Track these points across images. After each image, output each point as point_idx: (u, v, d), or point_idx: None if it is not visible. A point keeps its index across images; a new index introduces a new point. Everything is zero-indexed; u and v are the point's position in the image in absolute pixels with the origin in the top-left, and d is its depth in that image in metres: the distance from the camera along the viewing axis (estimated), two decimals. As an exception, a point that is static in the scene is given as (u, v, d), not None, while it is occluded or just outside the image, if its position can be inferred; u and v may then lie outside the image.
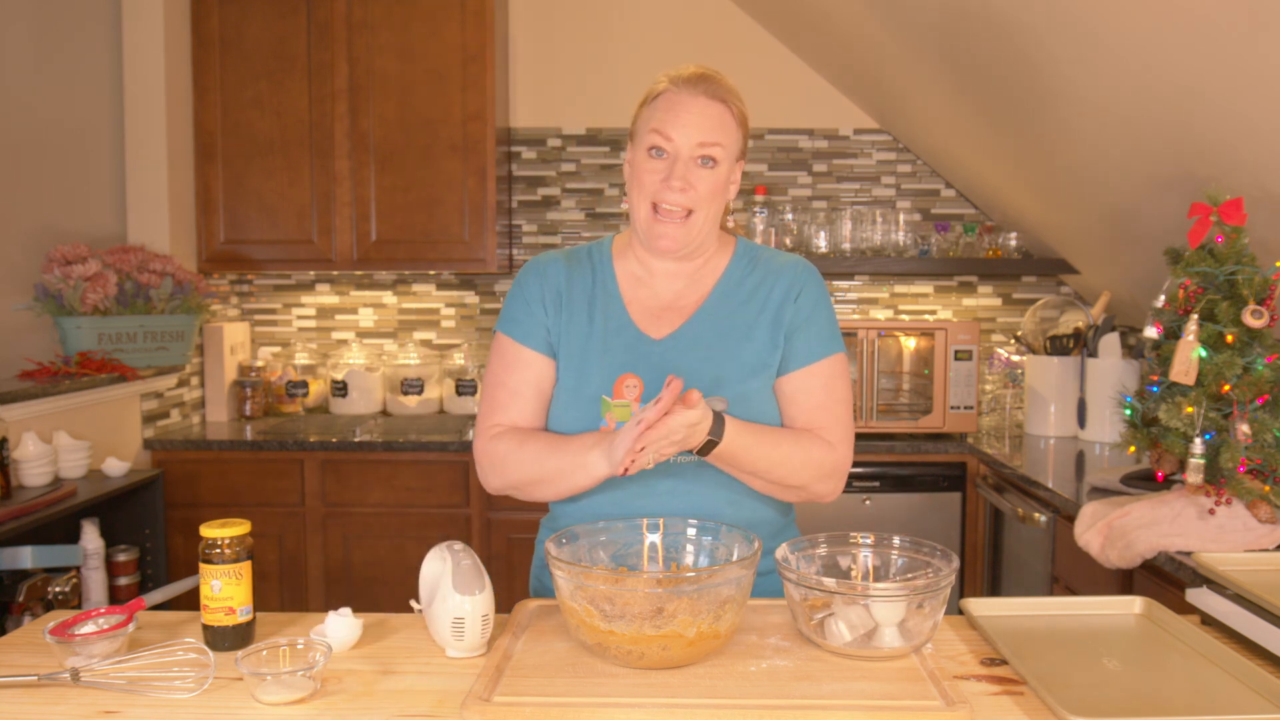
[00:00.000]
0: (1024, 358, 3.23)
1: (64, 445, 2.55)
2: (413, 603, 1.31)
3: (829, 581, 1.20)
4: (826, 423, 1.42)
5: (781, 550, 1.28)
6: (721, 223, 1.51)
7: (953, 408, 3.04)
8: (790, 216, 3.49)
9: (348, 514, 3.02)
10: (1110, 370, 2.89)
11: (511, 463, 1.39)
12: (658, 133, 1.37)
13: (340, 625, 1.23)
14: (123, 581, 2.62)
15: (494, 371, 1.47)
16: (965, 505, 3.00)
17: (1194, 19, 1.74)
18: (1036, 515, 2.41)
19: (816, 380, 1.42)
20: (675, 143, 1.37)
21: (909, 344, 3.20)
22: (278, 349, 3.68)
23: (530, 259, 1.52)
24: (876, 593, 1.17)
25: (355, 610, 1.28)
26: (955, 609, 1.39)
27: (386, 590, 3.01)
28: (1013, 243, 3.45)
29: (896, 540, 1.31)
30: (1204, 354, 1.82)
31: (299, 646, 1.14)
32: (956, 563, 1.22)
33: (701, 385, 1.40)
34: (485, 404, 1.46)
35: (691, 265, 1.48)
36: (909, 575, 1.28)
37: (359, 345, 3.64)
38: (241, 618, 1.25)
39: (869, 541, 1.31)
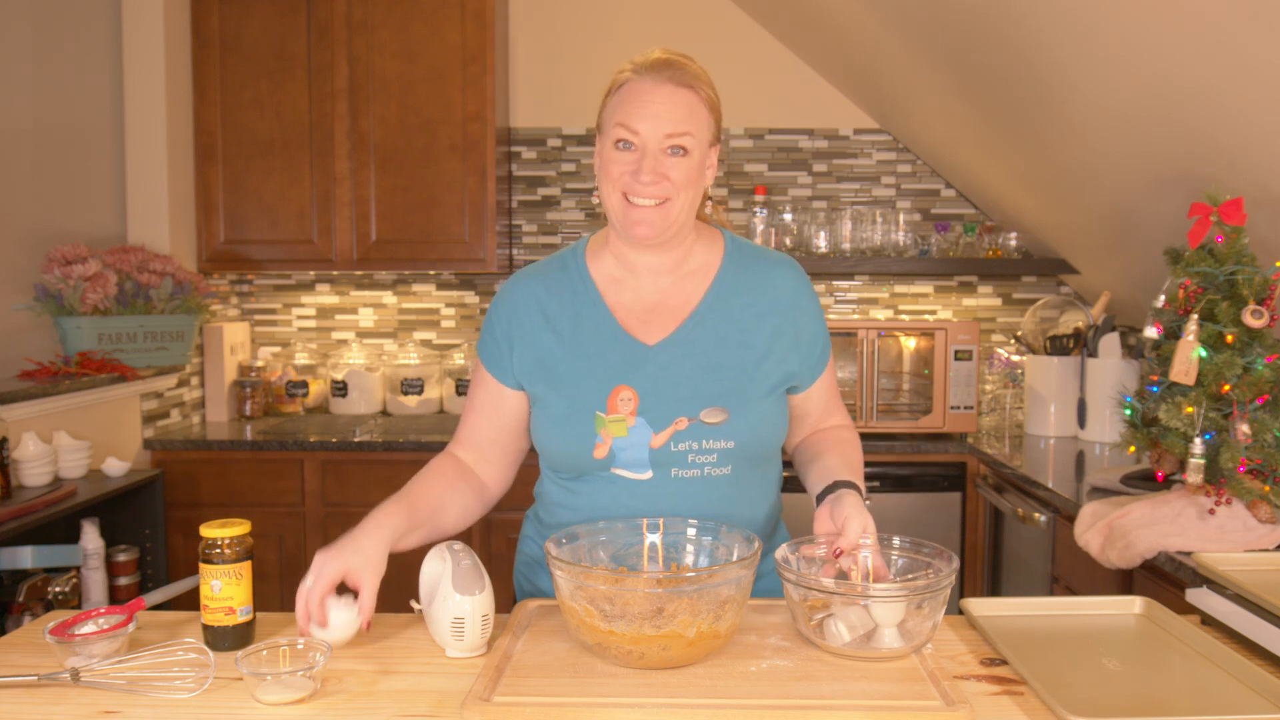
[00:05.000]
0: (1024, 358, 3.23)
1: (64, 445, 2.55)
2: (413, 603, 1.30)
3: (828, 582, 1.20)
4: (841, 407, 1.57)
5: (781, 551, 1.27)
6: (700, 214, 1.47)
7: (953, 408, 3.04)
8: (790, 216, 3.49)
9: (348, 514, 3.02)
10: (1110, 370, 2.89)
11: None
12: (623, 125, 1.31)
13: (341, 613, 1.20)
14: (123, 581, 2.62)
15: (470, 386, 1.53)
16: (965, 505, 3.00)
17: (1195, 19, 1.74)
18: (1036, 515, 2.41)
19: (830, 377, 1.53)
20: (642, 135, 1.30)
21: (909, 344, 3.20)
22: (278, 349, 3.68)
23: (507, 280, 1.49)
24: (876, 593, 1.17)
25: (354, 610, 1.26)
26: (955, 609, 1.39)
27: (386, 590, 3.00)
28: (1013, 243, 3.45)
29: (896, 541, 1.32)
30: (1204, 354, 1.82)
31: (299, 646, 1.14)
32: (956, 563, 1.23)
33: (702, 395, 1.36)
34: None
35: (672, 257, 1.41)
36: (909, 576, 1.28)
37: (359, 345, 3.64)
38: (241, 618, 1.25)
39: (868, 542, 1.31)
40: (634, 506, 1.37)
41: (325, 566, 1.20)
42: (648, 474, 1.36)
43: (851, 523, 1.26)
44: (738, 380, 1.38)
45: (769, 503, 1.48)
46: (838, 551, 1.26)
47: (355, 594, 1.23)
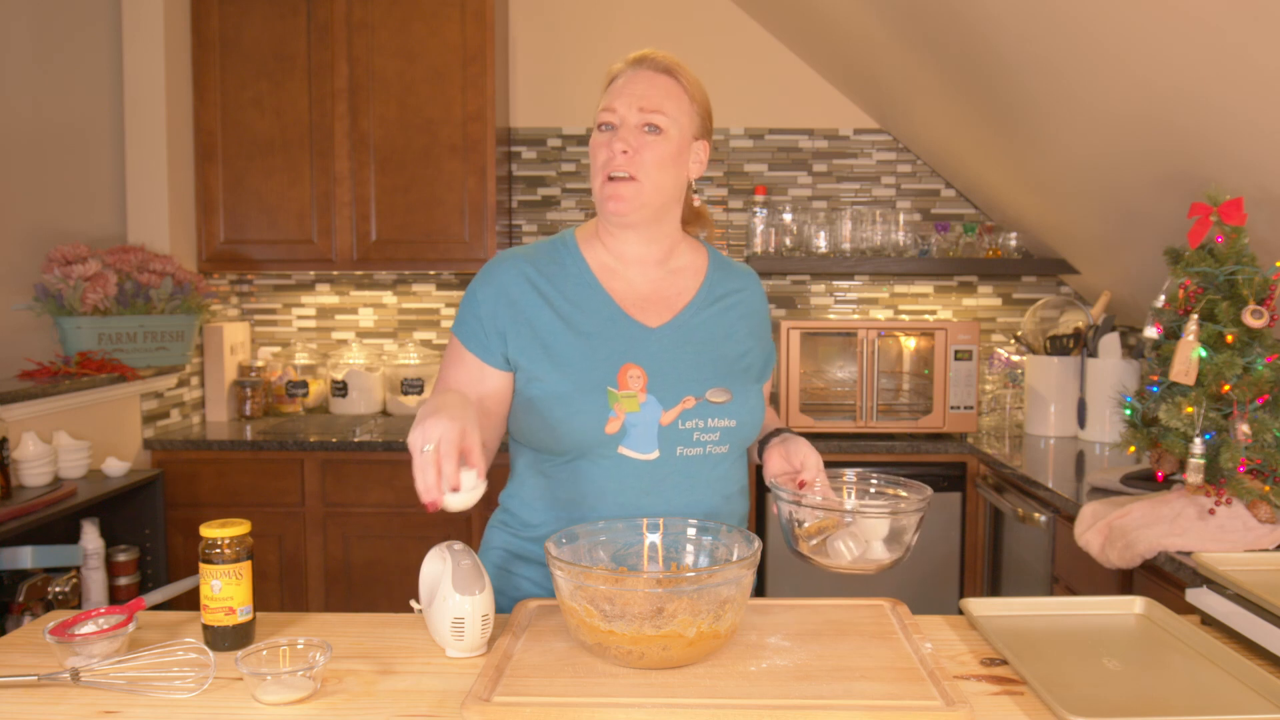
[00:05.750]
0: (1024, 358, 3.23)
1: (64, 445, 2.55)
2: (413, 603, 1.30)
3: (836, 499, 1.34)
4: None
5: (770, 482, 1.38)
6: (686, 212, 1.50)
7: (953, 408, 3.04)
8: (790, 216, 3.50)
9: (348, 514, 3.02)
10: (1110, 370, 2.89)
11: None
12: (606, 109, 1.40)
13: (469, 476, 1.14)
14: (123, 581, 2.62)
15: (441, 368, 1.48)
16: (965, 505, 3.00)
17: (1193, 21, 1.74)
18: (1036, 515, 2.41)
19: (770, 380, 1.62)
20: (619, 112, 1.38)
21: (909, 344, 3.20)
22: (278, 349, 3.68)
23: (489, 261, 1.48)
24: (867, 510, 1.32)
25: (354, 610, 1.27)
26: (955, 609, 1.40)
27: (386, 590, 3.01)
28: (1013, 243, 3.45)
29: (874, 480, 1.42)
30: (1204, 354, 1.82)
31: (299, 646, 1.14)
32: (929, 491, 1.34)
33: (703, 378, 1.41)
34: None
35: (658, 248, 1.45)
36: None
37: (359, 345, 3.64)
38: (241, 618, 1.25)
39: (852, 480, 1.43)
40: (636, 487, 1.38)
41: (445, 430, 1.12)
42: (654, 453, 1.38)
43: (810, 458, 1.39)
44: (730, 368, 1.45)
45: (746, 491, 1.53)
46: (801, 484, 1.37)
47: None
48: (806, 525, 1.32)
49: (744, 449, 1.49)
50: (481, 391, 1.42)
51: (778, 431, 1.47)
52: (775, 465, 1.42)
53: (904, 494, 1.38)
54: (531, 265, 1.44)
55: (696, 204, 1.52)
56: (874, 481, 1.42)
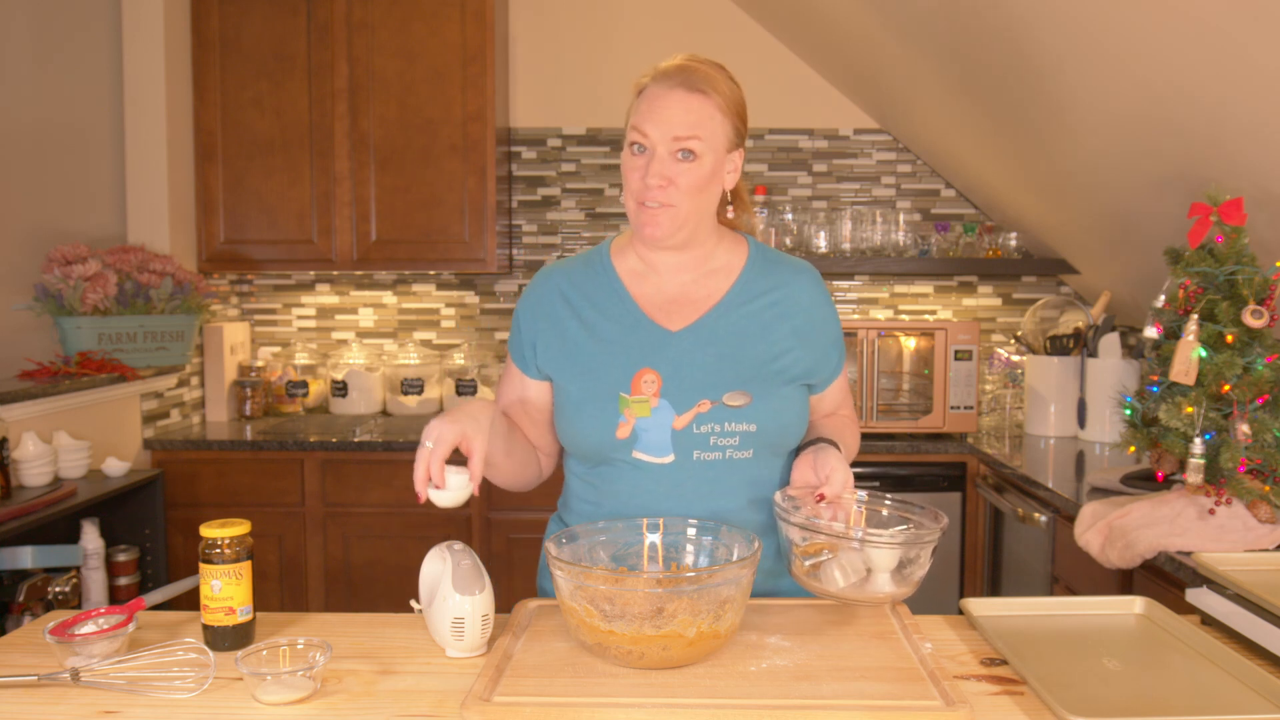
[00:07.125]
0: (1024, 358, 3.23)
1: (64, 445, 2.55)
2: (413, 603, 1.30)
3: (838, 526, 1.26)
4: (849, 400, 1.60)
5: (778, 496, 1.33)
6: (721, 214, 1.47)
7: (953, 408, 3.04)
8: (790, 216, 3.50)
9: (348, 514, 3.02)
10: (1110, 370, 2.89)
11: None
12: (636, 129, 1.35)
13: (456, 477, 1.26)
14: (123, 581, 2.62)
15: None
16: (965, 505, 3.00)
17: (1195, 23, 1.74)
18: (1036, 515, 2.41)
19: (844, 379, 1.57)
20: (651, 138, 1.34)
21: (909, 344, 3.20)
22: (278, 349, 3.68)
23: (539, 270, 1.53)
24: (874, 538, 1.24)
25: (354, 610, 1.27)
26: (955, 609, 1.39)
27: (386, 590, 3.01)
28: (1013, 243, 3.45)
29: (888, 500, 1.37)
30: (1204, 354, 1.82)
31: (299, 646, 1.14)
32: (945, 520, 1.28)
33: (722, 381, 1.38)
34: None
35: (692, 257, 1.44)
36: (900, 528, 1.34)
37: (359, 345, 3.64)
38: (241, 618, 1.25)
39: (862, 498, 1.37)
40: (655, 492, 1.39)
41: (444, 431, 1.26)
42: (669, 457, 1.38)
43: (836, 474, 1.33)
44: (758, 371, 1.41)
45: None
46: (819, 497, 1.32)
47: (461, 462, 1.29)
48: (804, 545, 1.26)
49: (776, 453, 1.44)
50: (524, 400, 1.50)
51: (816, 440, 1.41)
52: (800, 474, 1.38)
53: (915, 520, 1.32)
54: (566, 277, 1.48)
55: (730, 214, 1.49)
56: (887, 504, 1.35)
